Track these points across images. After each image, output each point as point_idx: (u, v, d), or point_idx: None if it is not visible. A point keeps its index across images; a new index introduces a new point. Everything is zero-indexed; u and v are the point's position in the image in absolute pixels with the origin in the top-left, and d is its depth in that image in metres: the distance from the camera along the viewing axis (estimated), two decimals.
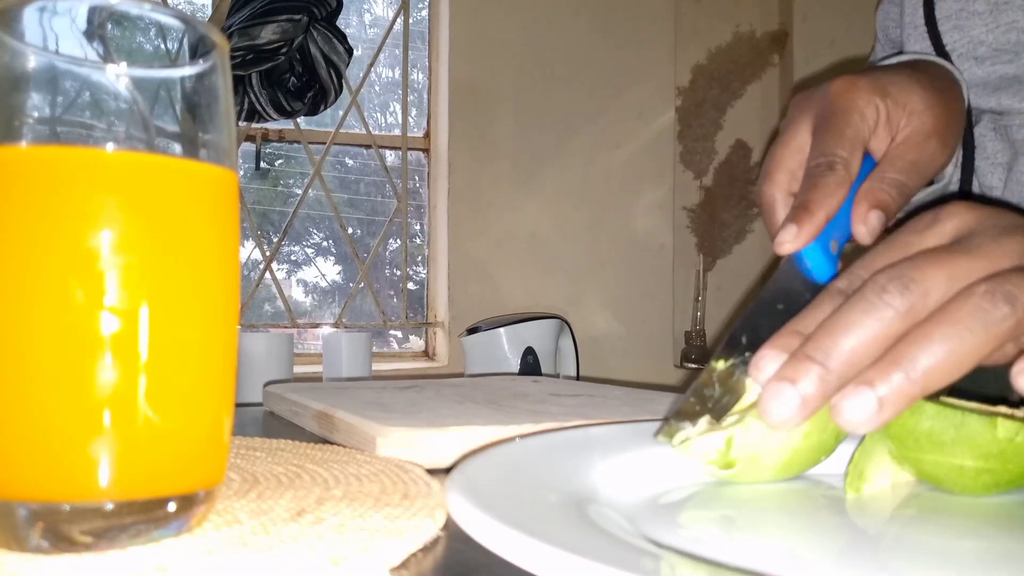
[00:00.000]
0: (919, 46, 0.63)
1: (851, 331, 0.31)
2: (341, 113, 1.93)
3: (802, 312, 0.34)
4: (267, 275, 1.92)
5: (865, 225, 0.43)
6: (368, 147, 2.01)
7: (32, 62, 0.27)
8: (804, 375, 0.31)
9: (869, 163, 0.46)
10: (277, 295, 1.94)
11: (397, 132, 2.04)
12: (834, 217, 0.42)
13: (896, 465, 0.37)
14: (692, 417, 0.36)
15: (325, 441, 0.48)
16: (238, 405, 0.46)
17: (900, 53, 0.62)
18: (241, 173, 1.86)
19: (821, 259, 0.41)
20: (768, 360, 0.33)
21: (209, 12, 1.78)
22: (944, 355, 0.30)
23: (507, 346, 1.57)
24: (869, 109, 0.47)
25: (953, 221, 0.35)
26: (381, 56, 2.01)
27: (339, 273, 2.12)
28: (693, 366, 2.11)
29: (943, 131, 0.49)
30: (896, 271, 0.32)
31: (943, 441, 0.34)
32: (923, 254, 0.33)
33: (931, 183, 0.58)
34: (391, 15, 2.02)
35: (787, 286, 0.41)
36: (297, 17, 1.57)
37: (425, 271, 2.07)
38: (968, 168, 0.62)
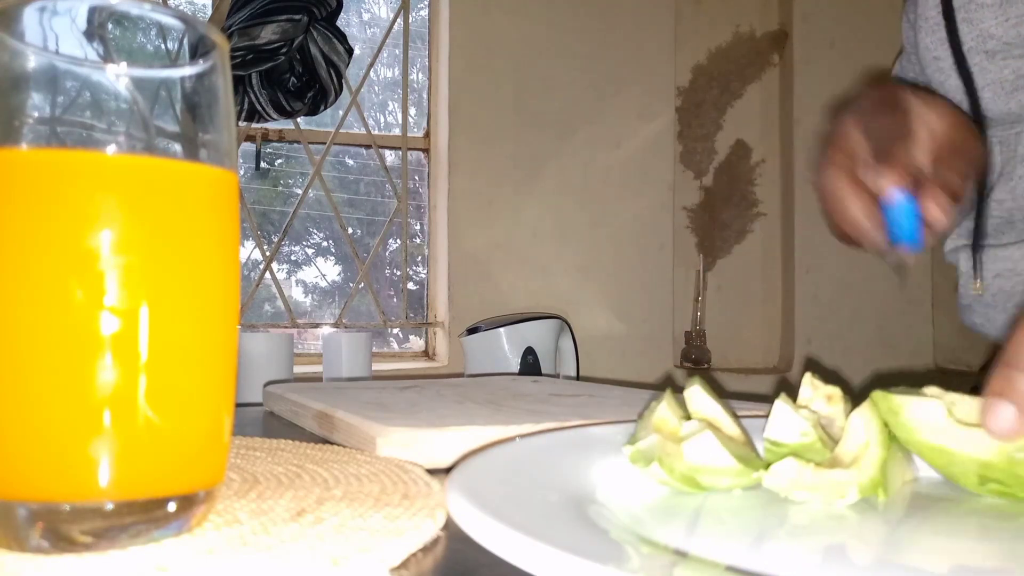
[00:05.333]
0: (931, 38, 0.63)
1: None
2: (341, 113, 1.93)
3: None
4: (267, 275, 1.92)
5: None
6: (368, 147, 2.01)
7: (32, 62, 0.27)
8: None
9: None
10: (277, 295, 1.94)
11: (397, 132, 2.04)
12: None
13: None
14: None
15: (325, 441, 0.48)
16: (238, 405, 0.45)
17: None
18: (241, 173, 1.86)
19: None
20: (1001, 410, 0.34)
21: (209, 12, 1.78)
22: None
23: (507, 346, 1.56)
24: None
25: None
26: (381, 56, 2.01)
27: (339, 273, 2.12)
28: (693, 366, 2.11)
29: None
30: None
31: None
32: None
33: None
34: (391, 15, 2.02)
35: None
36: (297, 17, 1.57)
37: (425, 271, 2.07)
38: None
